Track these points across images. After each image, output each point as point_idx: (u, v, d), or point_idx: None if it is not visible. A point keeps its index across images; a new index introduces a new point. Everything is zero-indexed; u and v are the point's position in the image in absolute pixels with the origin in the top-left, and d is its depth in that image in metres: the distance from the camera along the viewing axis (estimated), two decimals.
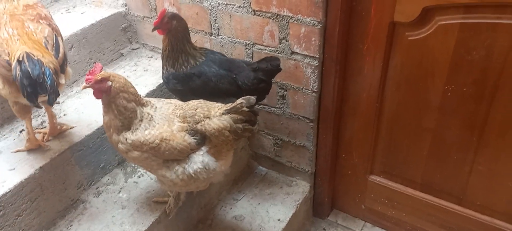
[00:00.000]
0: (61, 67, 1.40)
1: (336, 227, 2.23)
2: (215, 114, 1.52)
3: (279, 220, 1.99)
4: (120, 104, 1.44)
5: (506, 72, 1.54)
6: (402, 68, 1.74)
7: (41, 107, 1.46)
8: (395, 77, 1.78)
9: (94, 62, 2.15)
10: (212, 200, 2.04)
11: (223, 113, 1.51)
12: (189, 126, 1.51)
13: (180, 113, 1.53)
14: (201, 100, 1.60)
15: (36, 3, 1.51)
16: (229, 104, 1.53)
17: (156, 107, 1.54)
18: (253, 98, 1.51)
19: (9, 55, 1.31)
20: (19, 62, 1.27)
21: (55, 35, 1.45)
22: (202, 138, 1.53)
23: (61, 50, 1.42)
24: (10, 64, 1.30)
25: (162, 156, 1.50)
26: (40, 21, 1.42)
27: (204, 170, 1.53)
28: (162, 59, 1.81)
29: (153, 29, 1.71)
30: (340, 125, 2.02)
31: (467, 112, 1.69)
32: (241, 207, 2.05)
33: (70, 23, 2.08)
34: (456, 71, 1.63)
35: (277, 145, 2.20)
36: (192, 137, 1.51)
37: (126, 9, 2.26)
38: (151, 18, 2.22)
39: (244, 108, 1.50)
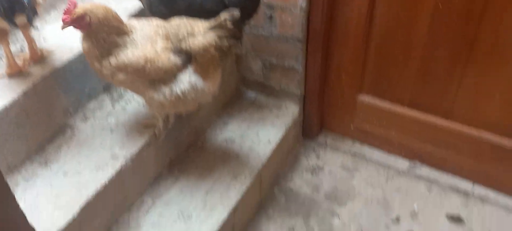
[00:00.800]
0: None
1: (326, 147, 2.27)
2: (199, 31, 1.47)
3: (269, 141, 2.00)
4: (100, 37, 1.39)
5: None
6: None
7: (16, 26, 1.39)
8: None
9: None
10: (202, 124, 2.03)
11: (207, 30, 1.46)
12: (173, 45, 1.47)
13: (162, 33, 1.49)
14: (184, 18, 1.54)
15: None
16: (213, 20, 1.47)
17: (137, 29, 1.48)
18: (237, 12, 1.46)
19: None
20: None
21: None
22: (188, 57, 1.49)
23: None
24: None
25: (148, 77, 1.47)
26: None
27: (192, 90, 1.51)
28: None
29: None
30: (329, 45, 1.99)
31: (457, 28, 1.66)
32: (231, 130, 2.06)
33: None
34: None
35: (265, 68, 2.17)
36: (177, 56, 1.47)
37: None
38: None
39: (228, 23, 1.45)
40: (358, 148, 2.23)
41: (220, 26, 1.46)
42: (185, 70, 1.50)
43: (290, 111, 2.17)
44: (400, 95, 1.98)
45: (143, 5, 1.78)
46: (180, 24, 1.49)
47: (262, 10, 1.94)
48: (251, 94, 2.29)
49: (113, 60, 1.43)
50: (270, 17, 1.96)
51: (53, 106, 1.65)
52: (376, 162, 2.16)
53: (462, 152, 1.96)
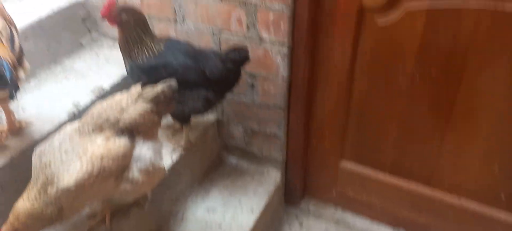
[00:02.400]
0: (18, 61, 1.31)
1: (308, 214, 2.24)
2: (127, 103, 1.41)
3: (251, 210, 1.97)
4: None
5: (471, 56, 1.57)
6: (371, 53, 1.74)
7: None
8: (364, 62, 1.78)
9: (52, 54, 2.04)
10: (183, 191, 1.99)
11: (136, 99, 1.42)
12: (112, 130, 1.38)
13: (91, 128, 1.38)
14: (104, 101, 1.45)
15: None
16: (140, 88, 1.44)
17: (59, 149, 1.33)
18: (174, 84, 1.47)
19: None
20: None
21: (9, 27, 1.34)
22: (131, 132, 1.41)
23: (17, 43, 1.33)
24: None
25: (109, 174, 1.35)
26: None
27: (156, 156, 1.48)
28: (120, 51, 1.74)
29: (102, 19, 1.66)
30: (311, 112, 2.02)
31: (434, 95, 1.72)
32: (213, 198, 2.02)
33: (25, 12, 1.95)
34: (424, 56, 1.65)
35: (247, 134, 2.17)
36: (123, 137, 1.38)
37: None
38: None
39: (165, 96, 1.44)
40: (341, 214, 2.21)
41: (156, 99, 1.43)
42: (136, 146, 1.44)
43: (272, 177, 2.16)
44: (381, 161, 2.00)
45: (126, 72, 1.79)
46: (106, 108, 1.40)
47: (244, 78, 1.97)
48: (233, 160, 2.28)
49: (60, 186, 1.27)
50: (252, 86, 1.99)
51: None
52: (359, 229, 2.14)
53: (445, 218, 1.97)
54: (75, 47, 2.16)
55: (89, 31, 2.22)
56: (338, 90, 1.89)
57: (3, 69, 1.18)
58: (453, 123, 1.74)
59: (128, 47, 1.70)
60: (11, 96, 1.21)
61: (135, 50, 1.70)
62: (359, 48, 1.76)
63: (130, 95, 1.43)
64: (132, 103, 1.41)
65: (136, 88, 1.44)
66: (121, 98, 1.42)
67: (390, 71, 1.74)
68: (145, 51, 1.70)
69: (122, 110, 1.39)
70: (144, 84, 1.76)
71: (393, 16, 1.63)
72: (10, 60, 1.25)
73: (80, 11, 2.14)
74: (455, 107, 1.71)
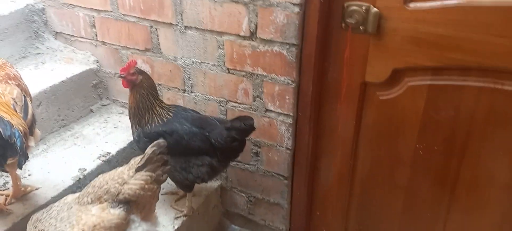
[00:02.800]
0: (30, 129, 1.35)
1: None
2: (129, 175, 1.41)
3: None
4: None
5: (473, 131, 1.60)
6: (374, 126, 1.78)
7: (6, 171, 1.38)
8: (367, 136, 1.81)
9: (62, 120, 2.09)
10: None
11: (134, 170, 1.42)
12: (110, 202, 1.39)
13: (91, 199, 1.40)
14: (106, 173, 1.48)
15: (4, 63, 1.47)
16: (139, 158, 1.45)
17: (55, 217, 1.36)
18: (163, 141, 1.48)
19: None
20: None
21: (24, 96, 1.40)
22: (127, 204, 1.41)
23: (30, 111, 1.38)
24: None
25: None
26: (9, 81, 1.38)
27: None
28: (129, 117, 1.78)
29: (119, 76, 1.71)
30: (314, 182, 2.02)
31: (438, 169, 1.73)
32: None
33: (39, 80, 2.02)
34: (426, 130, 1.67)
35: (250, 202, 2.16)
36: (118, 208, 1.39)
37: (97, 65, 2.23)
38: None
39: (158, 155, 1.45)
40: None
41: (150, 161, 1.44)
42: (133, 224, 1.43)
43: None
44: None
45: (133, 139, 1.82)
46: (107, 180, 1.42)
47: (249, 146, 2.00)
48: (235, 228, 2.25)
49: None
50: (257, 154, 2.01)
51: None
52: None
53: None
54: (86, 113, 2.22)
55: (100, 97, 2.29)
56: (342, 161, 1.90)
57: (15, 138, 1.22)
58: (458, 194, 1.74)
59: (138, 113, 1.74)
60: (20, 165, 1.24)
61: (146, 117, 1.74)
62: (362, 121, 1.80)
63: (130, 167, 1.44)
64: (132, 175, 1.42)
65: (135, 160, 1.46)
66: (123, 170, 1.44)
67: (393, 144, 1.76)
68: (155, 118, 1.75)
69: (123, 182, 1.40)
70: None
71: (395, 91, 1.68)
72: (22, 129, 1.29)
73: (92, 78, 2.22)
74: (459, 180, 1.71)
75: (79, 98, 2.17)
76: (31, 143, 1.35)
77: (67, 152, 1.93)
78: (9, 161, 1.23)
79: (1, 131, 1.19)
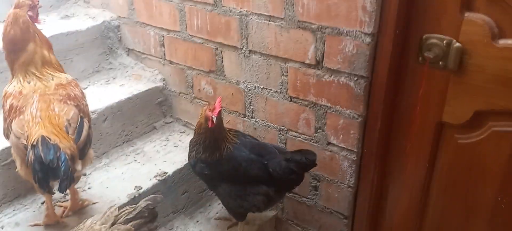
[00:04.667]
0: (81, 152, 1.36)
1: None
2: (101, 229, 1.28)
3: None
4: None
5: None
6: (450, 172, 1.59)
7: (54, 193, 1.39)
8: (441, 181, 1.62)
9: (126, 135, 2.13)
10: None
11: (115, 222, 1.29)
12: None
13: None
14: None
15: (70, 81, 1.50)
16: (128, 208, 1.33)
17: None
18: (160, 197, 1.38)
19: (28, 138, 1.28)
20: (33, 146, 1.24)
21: (81, 116, 1.42)
22: None
23: (84, 133, 1.39)
24: (27, 148, 1.27)
25: None
26: (68, 102, 1.41)
27: None
28: (195, 145, 1.71)
29: (212, 120, 1.59)
30: (377, 225, 1.86)
31: None
32: None
33: (107, 95, 2.09)
34: (510, 182, 1.46)
35: None
36: None
37: (163, 84, 2.26)
38: (187, 94, 2.21)
39: (148, 211, 1.33)
40: None
41: (140, 215, 1.33)
42: None
43: None
44: None
45: (189, 163, 1.79)
46: None
47: (307, 179, 1.89)
48: None
49: None
50: (315, 188, 1.90)
51: None
52: None
53: None
54: (149, 129, 2.25)
55: (164, 115, 2.32)
56: (410, 206, 1.73)
57: (59, 162, 1.23)
58: None
59: (214, 145, 1.67)
60: (61, 190, 1.24)
61: (221, 147, 1.67)
62: (436, 165, 1.62)
63: (105, 218, 1.32)
64: (107, 229, 1.29)
65: (111, 211, 1.35)
66: (92, 222, 1.31)
67: (471, 194, 1.57)
68: (229, 146, 1.69)
69: None
70: (205, 177, 1.76)
71: (476, 135, 1.49)
72: (69, 153, 1.30)
73: (158, 96, 2.25)
74: None
75: (144, 115, 2.20)
76: (78, 167, 1.35)
77: (126, 168, 1.95)
78: (52, 183, 1.23)
79: (43, 155, 1.21)
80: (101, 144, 2.01)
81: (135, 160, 2.02)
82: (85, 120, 1.43)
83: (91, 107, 1.92)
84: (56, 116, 1.35)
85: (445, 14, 1.39)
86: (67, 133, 1.33)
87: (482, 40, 1.35)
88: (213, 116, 1.59)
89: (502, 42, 1.33)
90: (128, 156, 2.05)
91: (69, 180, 1.24)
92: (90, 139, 1.44)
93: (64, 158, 1.24)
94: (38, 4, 1.56)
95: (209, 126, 1.61)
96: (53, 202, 1.61)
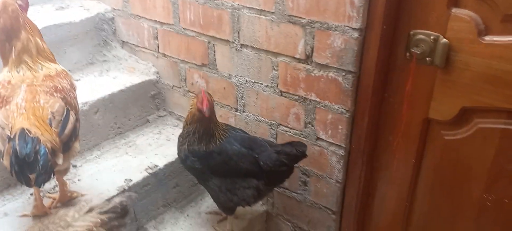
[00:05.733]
0: (65, 145, 1.36)
1: None
2: (74, 217, 1.29)
3: None
4: None
5: None
6: (436, 169, 1.59)
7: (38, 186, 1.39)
8: (427, 178, 1.63)
9: (118, 127, 2.14)
10: None
11: (86, 213, 1.29)
12: None
13: None
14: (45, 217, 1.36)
15: (60, 73, 1.50)
16: (104, 202, 1.34)
17: None
18: (135, 195, 1.40)
19: (11, 129, 1.29)
20: (10, 139, 1.24)
21: (67, 109, 1.42)
22: None
23: (69, 126, 1.38)
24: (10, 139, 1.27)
25: None
26: (54, 94, 1.41)
27: None
28: (186, 137, 1.71)
29: (205, 112, 1.60)
30: (365, 221, 1.86)
31: (509, 226, 1.50)
32: None
33: (100, 87, 2.09)
34: (496, 180, 1.47)
35: None
36: None
37: (157, 77, 2.27)
38: (180, 88, 2.22)
39: (123, 209, 1.33)
40: None
41: (112, 209, 1.33)
42: None
43: None
44: None
45: (179, 158, 1.80)
46: (48, 224, 1.29)
47: (297, 174, 1.90)
48: None
49: None
50: (305, 183, 1.90)
51: None
52: None
53: None
54: (142, 122, 2.25)
55: (157, 108, 2.32)
56: (397, 203, 1.73)
57: (38, 155, 1.23)
58: None
59: (207, 135, 1.68)
60: (38, 184, 1.24)
61: (213, 138, 1.69)
62: (423, 161, 1.62)
63: (79, 209, 1.33)
64: (81, 217, 1.30)
65: (87, 202, 1.36)
66: (65, 212, 1.32)
67: (457, 191, 1.57)
68: (217, 140, 1.70)
69: (67, 225, 1.27)
70: (195, 171, 1.77)
71: (463, 132, 1.49)
72: (50, 146, 1.29)
73: (151, 88, 2.25)
74: None
75: (137, 107, 2.21)
76: (60, 161, 1.34)
77: (117, 160, 1.96)
78: (32, 177, 1.24)
79: (18, 149, 1.20)
80: (93, 135, 2.02)
81: (127, 153, 2.02)
82: (72, 113, 1.43)
83: (83, 99, 1.95)
84: (41, 108, 1.35)
85: (432, 10, 1.39)
86: (51, 125, 1.33)
87: (468, 36, 1.34)
88: (205, 109, 1.60)
89: (488, 38, 1.32)
90: (120, 149, 2.05)
91: (48, 174, 1.24)
92: (76, 132, 1.44)
93: (43, 151, 1.24)
94: None
95: (206, 115, 1.61)
96: (42, 194, 1.62)
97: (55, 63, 1.56)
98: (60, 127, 1.35)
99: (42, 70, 1.46)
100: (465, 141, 1.49)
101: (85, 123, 1.96)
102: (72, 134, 1.39)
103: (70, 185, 1.75)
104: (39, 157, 1.22)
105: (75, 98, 1.52)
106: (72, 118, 1.41)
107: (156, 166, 1.92)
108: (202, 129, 1.67)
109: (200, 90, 1.64)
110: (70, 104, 1.44)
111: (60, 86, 1.44)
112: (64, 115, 1.38)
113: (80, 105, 1.90)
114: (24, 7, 1.54)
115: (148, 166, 1.91)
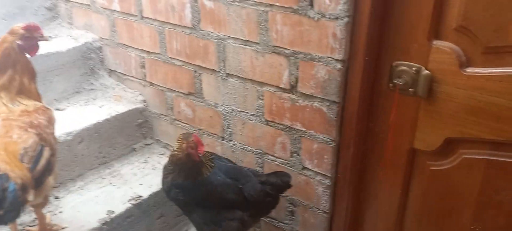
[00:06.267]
0: (38, 180, 1.33)
1: None
2: None
3: None
4: None
5: None
6: (423, 199, 1.58)
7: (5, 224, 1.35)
8: (415, 209, 1.61)
9: (103, 157, 2.11)
10: None
11: None
12: None
13: None
14: None
15: (38, 108, 1.47)
16: None
17: None
18: None
19: None
20: None
21: (42, 145, 1.39)
22: None
23: (43, 161, 1.35)
24: None
25: None
26: (29, 129, 1.38)
27: None
28: (171, 172, 1.68)
29: (198, 158, 1.58)
30: None
31: None
32: None
33: (85, 116, 2.08)
34: (484, 210, 1.45)
35: None
36: None
37: (144, 105, 2.26)
38: (167, 116, 2.20)
39: None
40: None
41: None
42: None
43: None
44: None
45: (163, 189, 1.77)
46: None
47: (284, 204, 1.87)
48: None
49: None
50: (292, 213, 1.88)
51: None
52: None
53: None
54: (128, 151, 2.23)
55: (144, 136, 2.30)
56: None
57: (6, 192, 1.20)
58: None
59: (189, 170, 1.64)
60: (4, 221, 1.20)
61: (202, 171, 1.65)
62: (410, 192, 1.61)
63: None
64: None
65: None
66: None
67: (445, 221, 1.55)
68: (205, 171, 1.66)
69: None
70: (179, 202, 1.73)
71: (448, 162, 1.48)
72: (20, 182, 1.27)
73: (138, 117, 2.24)
74: None
75: (123, 136, 2.19)
76: (30, 197, 1.30)
77: (101, 191, 1.93)
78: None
79: None
80: (77, 166, 1.99)
81: (111, 183, 1.99)
82: (46, 148, 1.39)
83: (67, 129, 1.94)
84: (13, 143, 1.32)
85: (413, 42, 1.39)
86: (22, 161, 1.31)
87: (450, 68, 1.35)
88: (199, 154, 1.58)
89: (470, 70, 1.33)
90: (104, 179, 2.02)
91: (16, 211, 1.20)
92: (49, 167, 1.40)
93: (12, 188, 1.21)
94: (39, 36, 1.54)
95: (196, 159, 1.59)
96: (21, 227, 1.58)
97: (40, 102, 1.54)
98: (33, 162, 1.32)
99: (19, 106, 1.44)
100: (450, 171, 1.48)
101: (69, 153, 1.94)
102: (45, 169, 1.36)
103: (52, 217, 1.71)
104: (7, 194, 1.19)
105: (52, 133, 1.49)
106: (46, 153, 1.38)
107: (140, 196, 1.89)
108: (187, 169, 1.64)
109: (192, 135, 1.61)
110: (45, 140, 1.41)
111: (36, 122, 1.41)
112: (38, 151, 1.35)
113: (63, 136, 1.91)
114: (26, 48, 1.52)
115: (132, 197, 1.88)
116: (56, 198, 1.86)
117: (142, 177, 2.05)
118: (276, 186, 1.64)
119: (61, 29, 2.47)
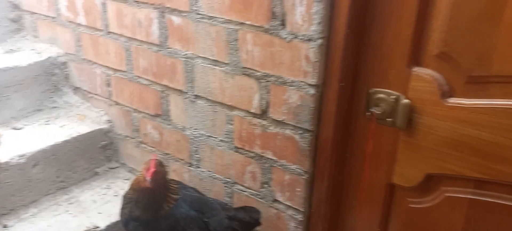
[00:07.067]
0: None
1: None
2: None
3: None
4: None
5: None
6: None
7: None
8: None
9: (61, 181, 1.95)
10: None
11: None
12: None
13: None
14: None
15: None
16: None
17: None
18: None
19: None
20: None
21: None
22: None
23: None
24: None
25: None
26: None
27: None
28: (129, 202, 1.52)
29: (149, 182, 1.42)
30: None
31: None
32: None
33: (43, 137, 1.92)
34: None
35: None
36: None
37: (109, 126, 2.11)
38: (134, 138, 2.05)
39: None
40: None
41: None
42: None
43: None
44: None
45: (121, 222, 1.61)
46: None
47: None
48: None
49: None
50: None
51: None
52: None
53: None
54: (89, 175, 2.07)
55: (108, 160, 2.14)
56: None
57: None
58: None
59: (155, 204, 1.49)
60: None
61: (164, 205, 1.50)
62: (388, 229, 1.47)
63: None
64: None
65: None
66: None
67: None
68: (168, 205, 1.51)
69: None
70: None
71: (429, 200, 1.36)
72: None
73: (101, 139, 2.08)
74: None
75: (84, 159, 2.03)
76: None
77: (55, 220, 1.76)
78: None
79: None
80: (30, 191, 1.83)
81: (67, 211, 1.83)
82: None
83: (20, 151, 1.78)
84: None
85: (391, 68, 1.28)
86: None
87: (431, 98, 1.23)
88: (148, 178, 1.43)
89: (452, 101, 1.21)
90: (60, 206, 1.86)
91: None
92: None
93: None
94: None
95: (150, 186, 1.44)
96: None
97: None
98: None
99: None
100: (431, 210, 1.35)
101: (21, 177, 1.78)
102: None
103: None
104: None
105: None
106: None
107: (97, 227, 1.73)
108: (147, 199, 1.49)
109: (153, 157, 1.47)
110: None
111: None
112: None
113: (16, 158, 1.76)
114: None
115: (88, 227, 1.72)
116: (5, 226, 1.69)
117: (102, 204, 1.89)
118: (244, 222, 1.51)
119: (25, 42, 2.31)
